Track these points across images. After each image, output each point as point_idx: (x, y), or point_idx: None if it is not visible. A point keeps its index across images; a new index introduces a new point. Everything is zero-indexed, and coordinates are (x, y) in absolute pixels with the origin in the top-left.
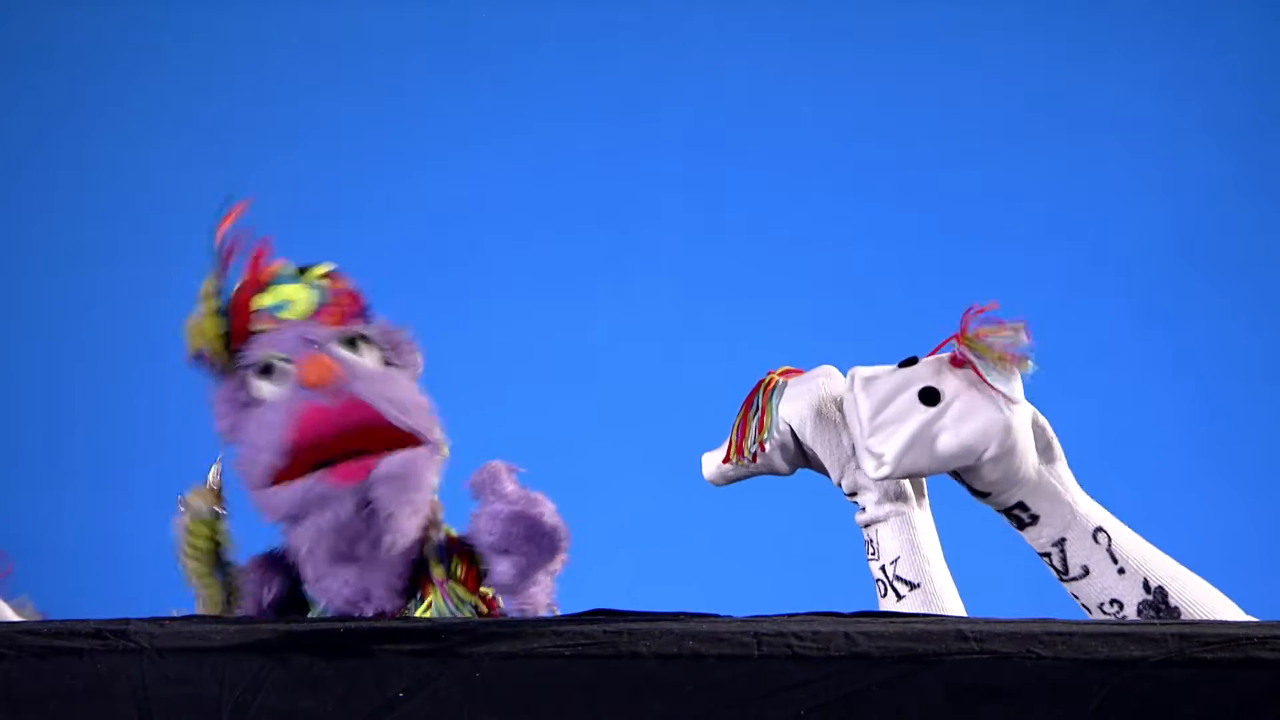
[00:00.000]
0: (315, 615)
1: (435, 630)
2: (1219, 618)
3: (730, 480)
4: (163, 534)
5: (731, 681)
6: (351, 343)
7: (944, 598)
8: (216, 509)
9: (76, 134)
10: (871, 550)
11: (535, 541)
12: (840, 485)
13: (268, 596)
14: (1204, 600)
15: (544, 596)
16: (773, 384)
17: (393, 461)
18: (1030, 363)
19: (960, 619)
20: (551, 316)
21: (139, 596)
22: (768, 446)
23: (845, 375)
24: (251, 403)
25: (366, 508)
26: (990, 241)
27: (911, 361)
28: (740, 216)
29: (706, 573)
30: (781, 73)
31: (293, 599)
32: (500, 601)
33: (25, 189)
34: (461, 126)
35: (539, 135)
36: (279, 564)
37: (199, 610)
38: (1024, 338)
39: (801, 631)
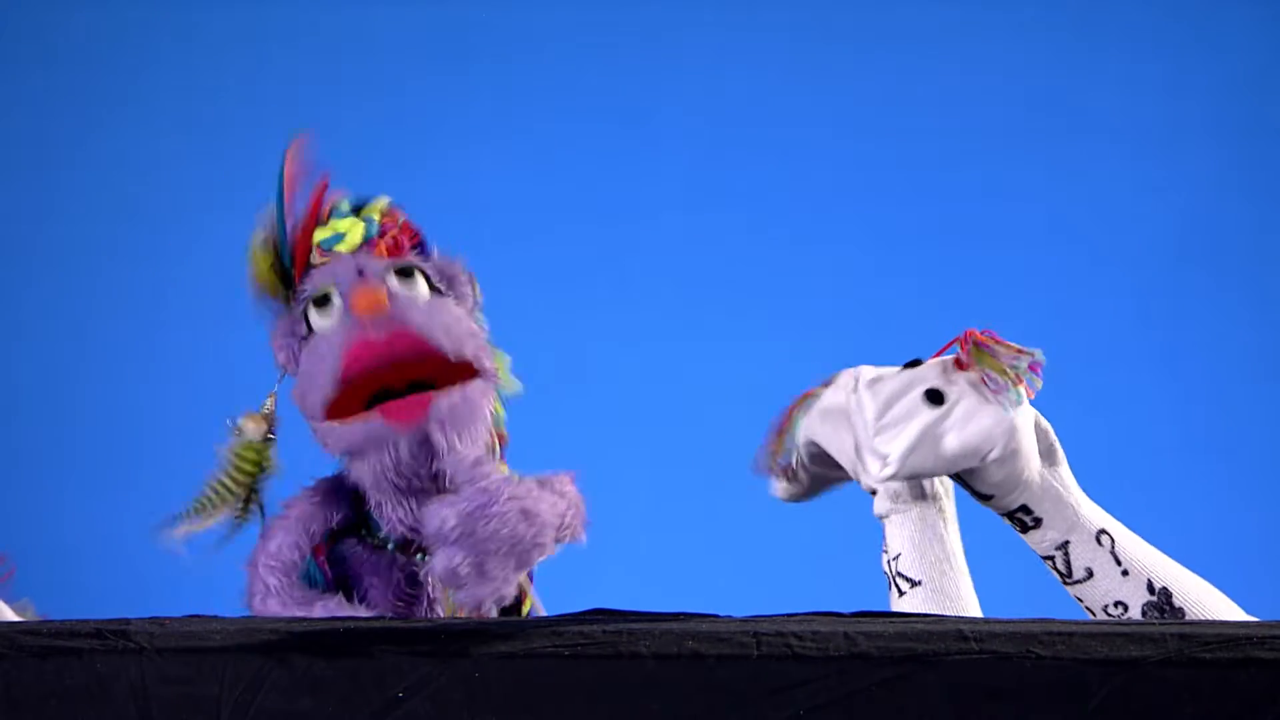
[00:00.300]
0: (378, 540)
1: (435, 630)
2: (1222, 618)
3: (796, 498)
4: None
5: (731, 681)
6: (404, 273)
7: (951, 598)
8: (268, 435)
9: (77, 134)
10: (883, 545)
11: (476, 539)
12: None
13: (335, 518)
14: (1207, 601)
15: (496, 590)
16: (804, 399)
17: (447, 401)
18: (1024, 387)
19: (960, 619)
20: (551, 316)
21: (139, 596)
22: (794, 461)
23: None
24: (307, 335)
25: (424, 442)
26: (990, 241)
27: (916, 363)
28: (740, 216)
29: (706, 573)
30: (781, 73)
31: (357, 522)
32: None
33: (25, 189)
34: (461, 126)
35: (539, 135)
36: (342, 489)
37: (198, 510)
38: (1026, 361)
39: (801, 631)
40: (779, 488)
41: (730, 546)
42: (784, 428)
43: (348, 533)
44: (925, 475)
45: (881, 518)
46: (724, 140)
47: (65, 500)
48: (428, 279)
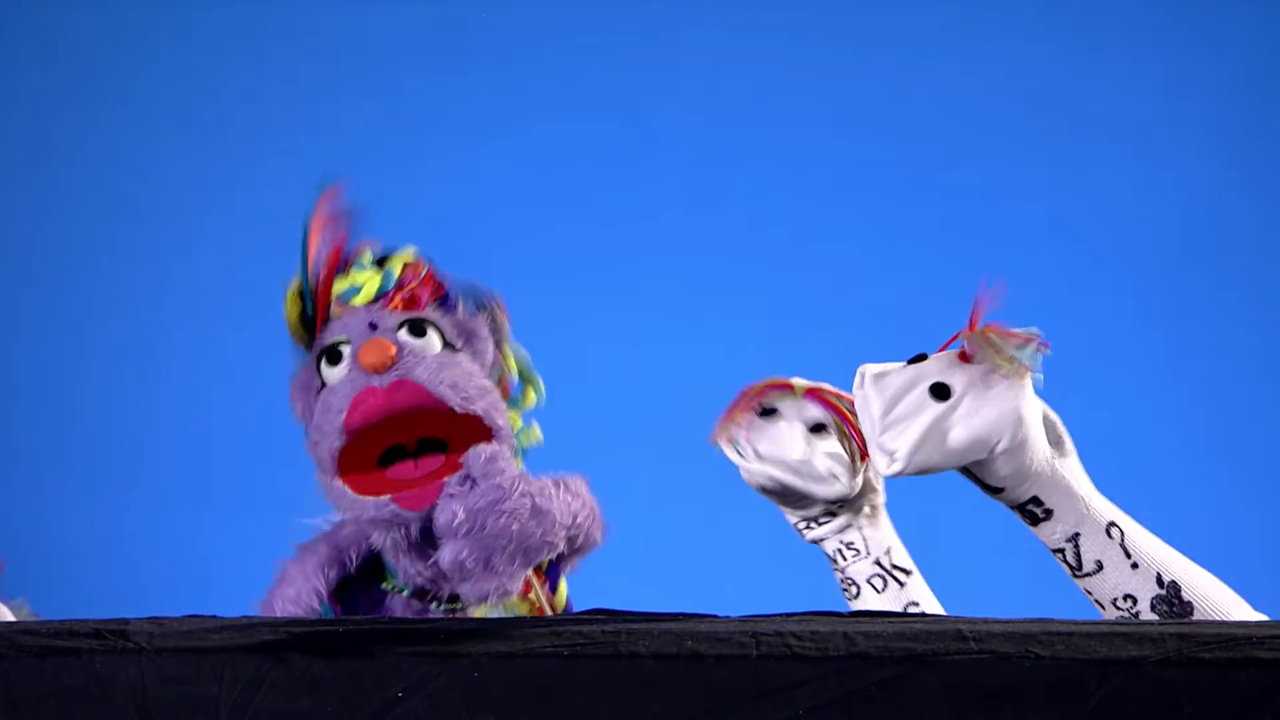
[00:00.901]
0: (394, 586)
1: (435, 630)
2: (1230, 613)
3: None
4: (162, 534)
5: (730, 681)
6: (416, 327)
7: (925, 586)
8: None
9: (77, 133)
10: (855, 551)
11: (483, 533)
12: (806, 513)
13: (352, 565)
14: (1215, 596)
15: (500, 585)
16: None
17: (460, 488)
18: (1031, 369)
19: (959, 619)
20: (551, 316)
21: (139, 596)
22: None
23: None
24: (320, 388)
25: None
26: (990, 241)
27: (921, 358)
28: (740, 216)
29: (705, 573)
30: (781, 73)
31: (374, 564)
32: (556, 600)
33: (26, 188)
34: (461, 126)
35: (539, 135)
36: (358, 534)
37: None
38: (1033, 347)
39: (800, 631)
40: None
41: (730, 546)
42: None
43: (361, 576)
44: (933, 470)
45: (849, 527)
46: (724, 140)
47: (65, 500)
48: (442, 335)
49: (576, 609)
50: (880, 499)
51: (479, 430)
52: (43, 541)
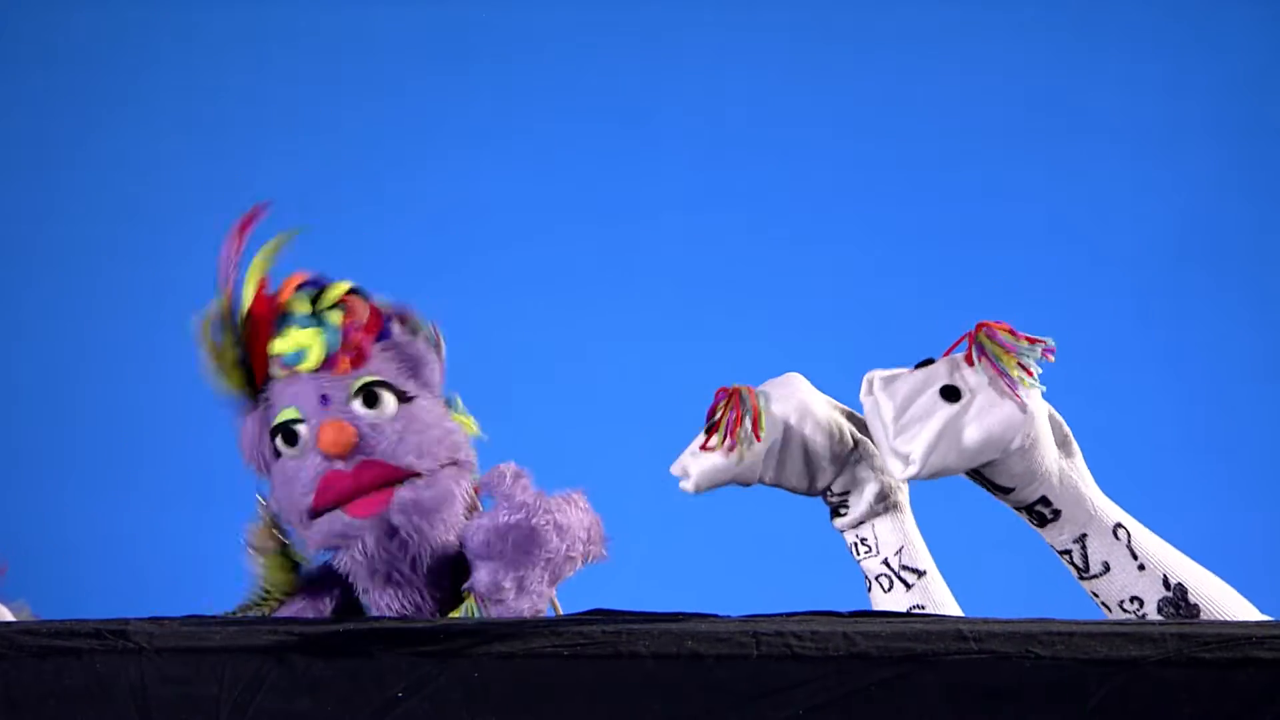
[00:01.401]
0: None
1: (434, 630)
2: (1237, 616)
3: (712, 485)
4: (162, 534)
5: (730, 681)
6: (370, 397)
7: (943, 587)
8: (282, 540)
9: (77, 133)
10: (867, 547)
11: (518, 552)
12: (821, 490)
13: (328, 607)
14: (1221, 598)
15: (533, 604)
16: (750, 390)
17: (411, 493)
18: (1034, 378)
19: (959, 619)
20: (551, 316)
21: (139, 596)
22: (761, 441)
23: (859, 380)
24: (275, 457)
25: (394, 535)
26: (990, 241)
27: (929, 362)
28: (740, 216)
29: (705, 573)
30: (781, 73)
31: (350, 606)
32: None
33: (26, 189)
34: (461, 126)
35: (539, 135)
36: (331, 576)
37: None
38: (1039, 351)
39: (800, 631)
40: (710, 467)
41: (730, 546)
42: (756, 409)
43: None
44: (949, 472)
45: (865, 521)
46: (724, 140)
47: (65, 500)
48: (394, 390)
49: (577, 609)
50: (902, 497)
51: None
52: (43, 541)
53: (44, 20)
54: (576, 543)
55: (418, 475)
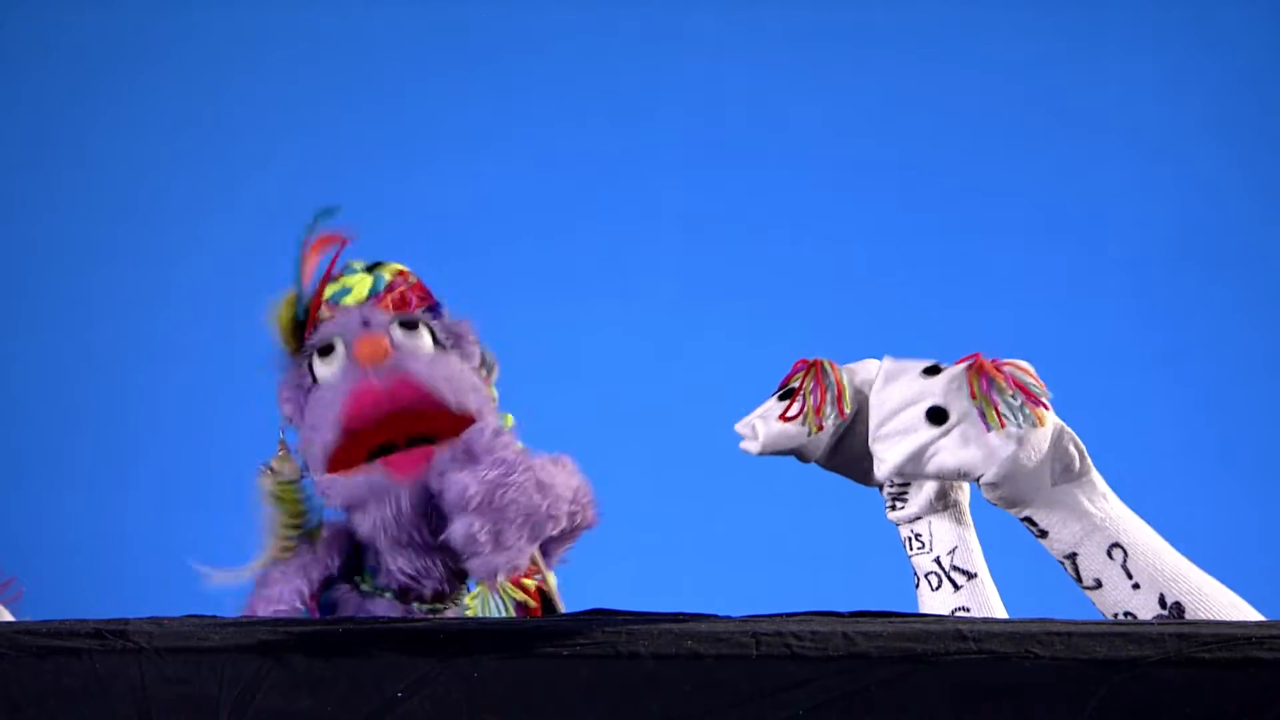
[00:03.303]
0: (375, 588)
1: (434, 630)
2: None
3: (777, 451)
4: (162, 534)
5: (730, 681)
6: (408, 326)
7: (993, 592)
8: (300, 471)
9: (77, 133)
10: (920, 544)
11: (494, 507)
12: (879, 481)
13: (334, 565)
14: (1227, 617)
15: (509, 560)
16: (832, 364)
17: (450, 452)
18: (1007, 429)
19: (959, 619)
20: (551, 316)
21: (139, 596)
22: (845, 417)
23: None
24: (312, 386)
25: (429, 500)
26: (990, 241)
27: (935, 370)
28: (740, 216)
29: (704, 573)
30: (781, 73)
31: (353, 567)
32: (547, 585)
33: (26, 189)
34: (461, 126)
35: (539, 135)
36: (339, 536)
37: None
38: (1026, 408)
39: (800, 631)
40: (779, 433)
41: (730, 546)
42: (840, 385)
43: (340, 579)
44: (919, 480)
45: (922, 516)
46: (724, 140)
47: (65, 500)
48: (433, 335)
49: (577, 609)
50: (962, 497)
51: (468, 427)
52: (43, 542)
53: (44, 20)
54: (560, 502)
55: (449, 416)
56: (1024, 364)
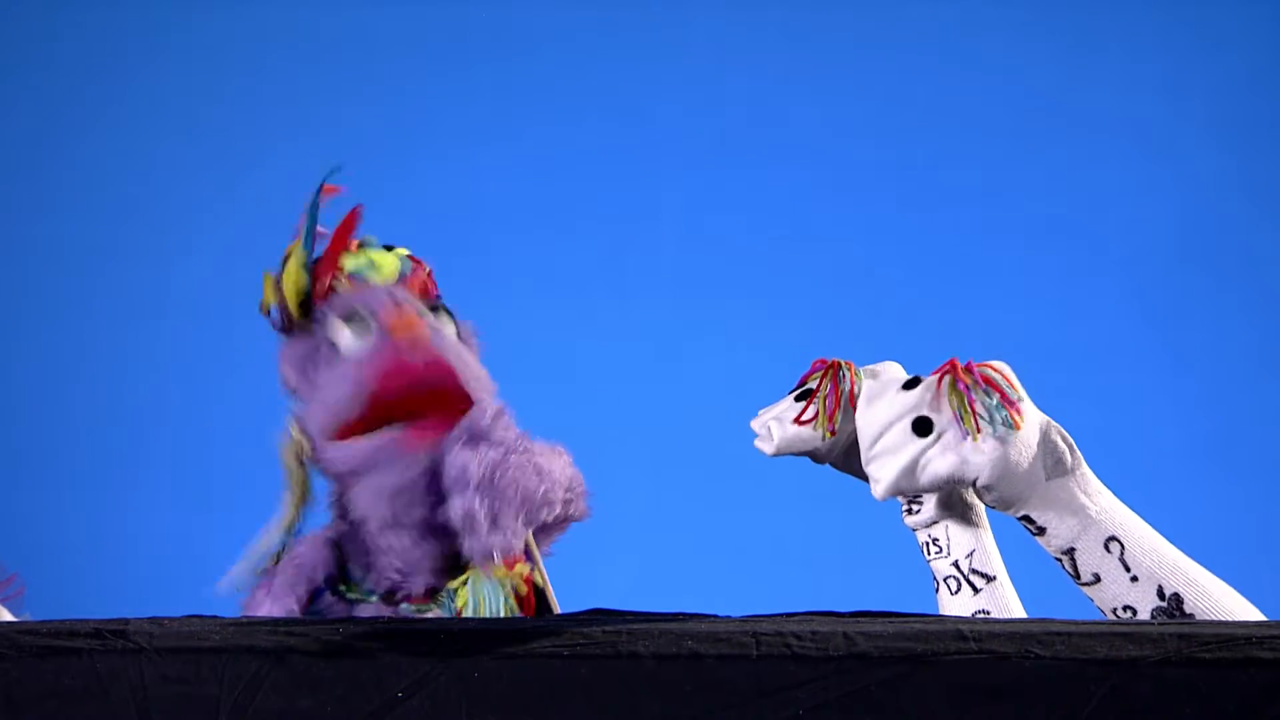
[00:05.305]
0: (357, 594)
1: (434, 630)
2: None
3: (790, 452)
4: (162, 534)
5: (730, 681)
6: (434, 310)
7: (1012, 594)
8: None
9: (76, 133)
10: (938, 548)
11: (493, 487)
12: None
13: (319, 577)
14: (1223, 607)
15: (506, 541)
16: (850, 366)
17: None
18: (997, 422)
19: (960, 619)
20: (550, 316)
21: (139, 596)
22: (849, 424)
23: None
24: (328, 356)
25: (430, 477)
26: (990, 241)
27: (915, 382)
28: (740, 216)
29: (704, 573)
30: (781, 73)
31: (337, 579)
32: (537, 578)
33: (25, 188)
34: (461, 126)
35: (539, 135)
36: (321, 546)
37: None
38: (1004, 414)
39: (800, 631)
40: (794, 436)
41: (729, 546)
42: (852, 391)
43: (325, 590)
44: (916, 494)
45: (940, 520)
46: (724, 140)
47: (65, 500)
48: (455, 325)
49: (577, 609)
50: (977, 499)
51: None
52: (43, 541)
53: (44, 20)
54: (556, 488)
55: (465, 401)
56: (999, 365)
